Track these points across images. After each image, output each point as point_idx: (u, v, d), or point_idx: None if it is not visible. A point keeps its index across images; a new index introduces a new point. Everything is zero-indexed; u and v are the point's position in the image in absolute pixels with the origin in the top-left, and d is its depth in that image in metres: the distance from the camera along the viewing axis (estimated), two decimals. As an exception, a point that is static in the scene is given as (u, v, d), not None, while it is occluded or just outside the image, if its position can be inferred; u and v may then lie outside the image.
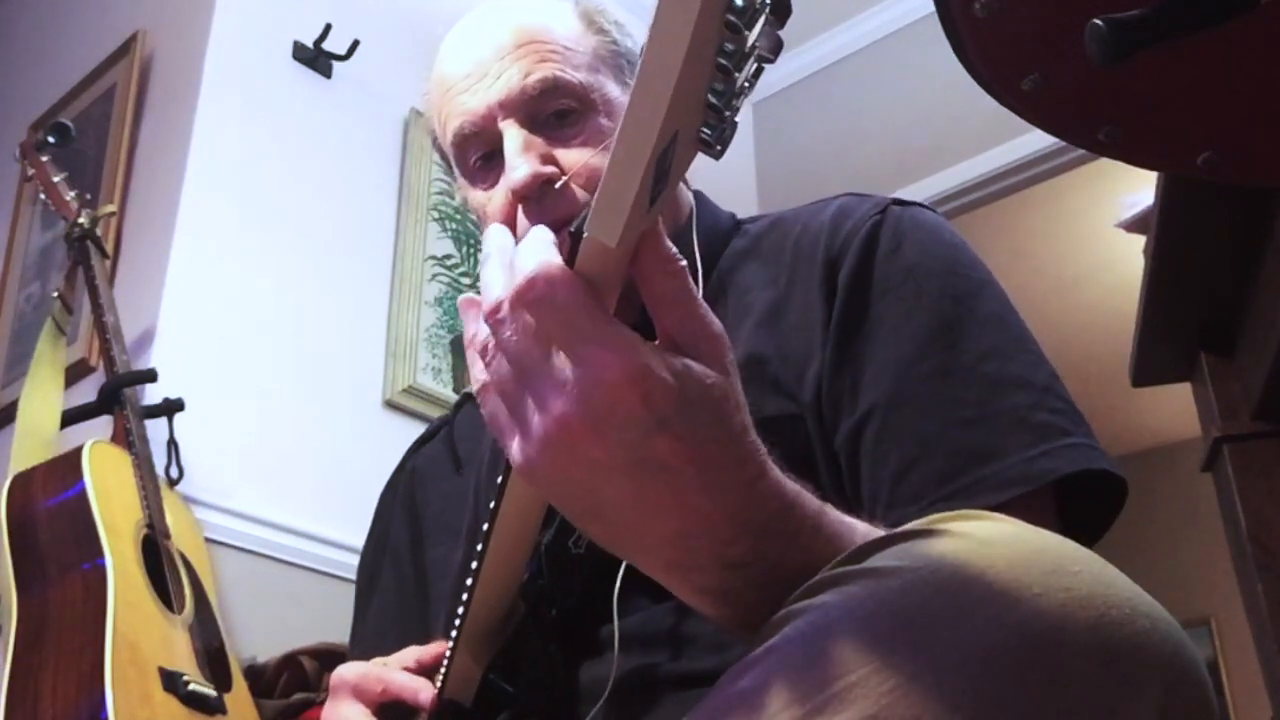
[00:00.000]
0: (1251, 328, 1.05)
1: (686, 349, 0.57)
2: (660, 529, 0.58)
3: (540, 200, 0.93)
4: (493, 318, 0.57)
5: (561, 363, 0.55)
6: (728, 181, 3.49)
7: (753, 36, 0.48)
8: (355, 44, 2.50)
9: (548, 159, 0.94)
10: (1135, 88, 0.57)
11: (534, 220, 0.93)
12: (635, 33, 1.05)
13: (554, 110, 0.95)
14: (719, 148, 0.53)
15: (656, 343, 0.57)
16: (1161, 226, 1.03)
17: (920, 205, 0.95)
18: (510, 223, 0.96)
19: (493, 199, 0.97)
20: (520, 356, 0.56)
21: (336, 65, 2.52)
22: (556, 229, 0.91)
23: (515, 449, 0.58)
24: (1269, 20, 0.52)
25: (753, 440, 0.59)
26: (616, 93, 0.98)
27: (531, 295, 0.55)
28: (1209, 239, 1.03)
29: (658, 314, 0.57)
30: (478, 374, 0.60)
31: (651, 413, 0.54)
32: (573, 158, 0.94)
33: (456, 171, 1.03)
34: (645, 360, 0.54)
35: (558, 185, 0.92)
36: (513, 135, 0.94)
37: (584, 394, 0.54)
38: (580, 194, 0.93)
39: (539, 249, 0.56)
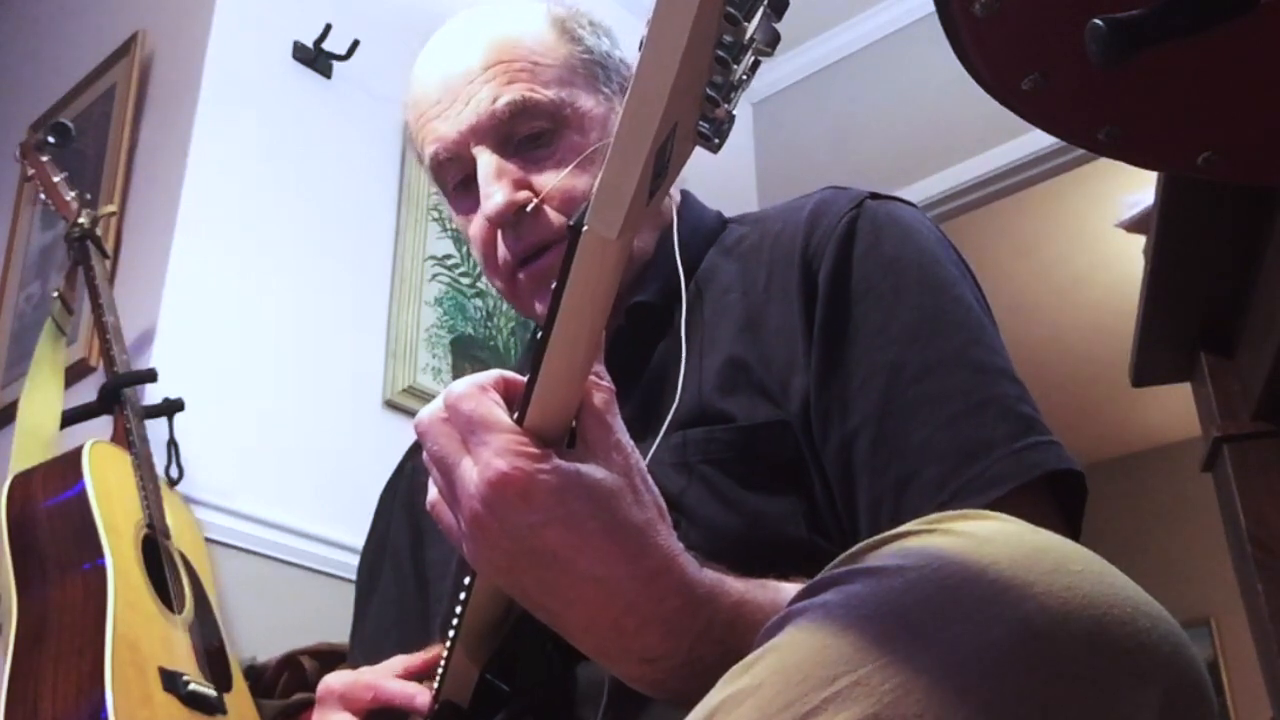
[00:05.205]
0: (1251, 328, 1.05)
1: (594, 451, 0.65)
2: (574, 619, 0.66)
3: (516, 226, 0.94)
4: (418, 428, 0.67)
5: (469, 466, 0.63)
6: (728, 181, 3.49)
7: (751, 28, 0.49)
8: (355, 44, 2.50)
9: (521, 184, 0.94)
10: (1135, 88, 0.57)
11: (511, 246, 0.95)
12: (614, 33, 1.04)
13: (526, 132, 0.95)
14: (717, 141, 0.53)
15: (572, 447, 0.65)
16: (1161, 226, 1.03)
17: (897, 199, 0.94)
18: (490, 248, 0.97)
19: (473, 225, 0.98)
20: (442, 459, 0.65)
21: (336, 65, 2.52)
22: (535, 253, 0.93)
23: (463, 548, 0.67)
24: (1269, 20, 0.52)
25: (653, 539, 0.65)
26: (590, 104, 0.97)
27: (448, 401, 0.65)
28: (1209, 239, 1.02)
29: (580, 418, 0.65)
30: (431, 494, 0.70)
31: (534, 507, 0.62)
32: (547, 179, 0.94)
33: (440, 191, 1.04)
34: (520, 463, 0.62)
35: (530, 209, 0.93)
36: (485, 162, 0.94)
37: (479, 492, 0.62)
38: (554, 216, 0.94)
39: (466, 379, 0.66)
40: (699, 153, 0.56)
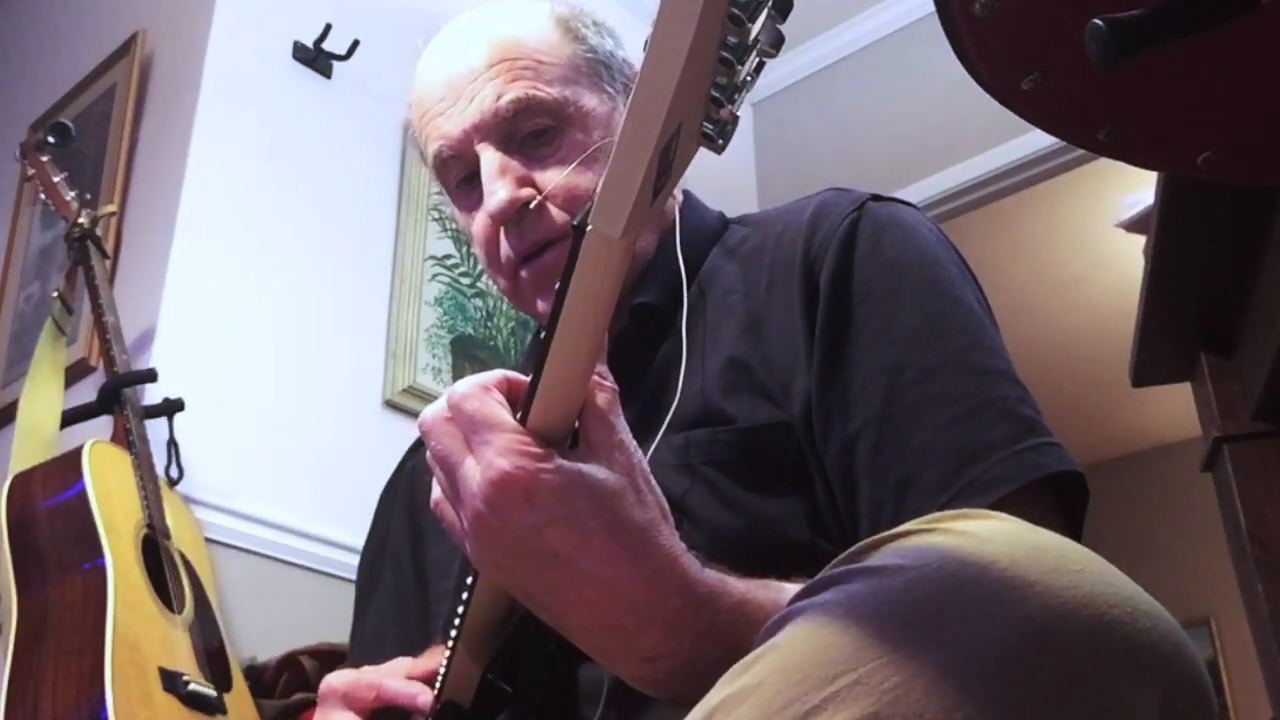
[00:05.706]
0: (1251, 328, 1.05)
1: (597, 451, 0.65)
2: (576, 618, 0.66)
3: (519, 223, 0.94)
4: (422, 427, 0.67)
5: (471, 465, 0.64)
6: (728, 181, 3.49)
7: (755, 29, 0.49)
8: (355, 44, 2.50)
9: (524, 181, 0.94)
10: (1135, 88, 0.57)
11: (514, 243, 0.95)
12: (617, 33, 1.05)
13: (529, 130, 0.95)
14: (721, 142, 0.53)
15: (576, 447, 0.65)
16: (1161, 226, 1.03)
17: (899, 201, 0.94)
18: (493, 246, 0.97)
19: (475, 223, 0.98)
20: (445, 458, 0.65)
21: (336, 65, 2.52)
22: (537, 250, 0.93)
23: (466, 547, 0.67)
24: (1269, 20, 0.52)
25: (655, 539, 0.65)
26: (594, 103, 0.98)
27: (451, 401, 0.66)
28: (1209, 239, 1.03)
29: (583, 418, 0.65)
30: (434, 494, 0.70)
31: (537, 507, 0.62)
32: (550, 177, 0.94)
33: (443, 189, 1.04)
34: (523, 463, 0.62)
35: (533, 206, 0.93)
36: (488, 159, 0.94)
37: (482, 491, 0.63)
38: (557, 214, 0.94)
39: (469, 379, 0.67)
40: (699, 153, 0.56)
